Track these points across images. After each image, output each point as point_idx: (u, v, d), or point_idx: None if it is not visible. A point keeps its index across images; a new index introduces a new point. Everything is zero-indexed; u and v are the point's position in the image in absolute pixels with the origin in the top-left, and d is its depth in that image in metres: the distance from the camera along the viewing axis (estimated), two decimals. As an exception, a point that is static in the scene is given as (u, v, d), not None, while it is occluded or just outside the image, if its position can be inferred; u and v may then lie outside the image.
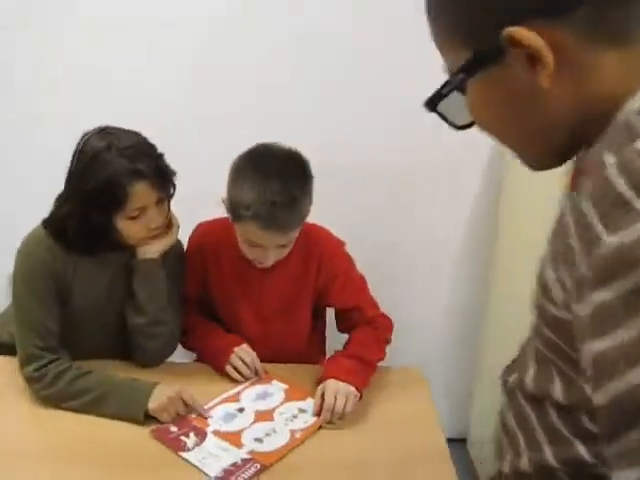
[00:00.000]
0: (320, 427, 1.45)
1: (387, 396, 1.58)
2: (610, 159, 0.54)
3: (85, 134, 1.45)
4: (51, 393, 1.46)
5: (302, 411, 1.50)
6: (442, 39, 0.66)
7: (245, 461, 1.32)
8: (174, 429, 1.40)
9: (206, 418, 1.45)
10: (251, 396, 1.54)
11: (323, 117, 2.00)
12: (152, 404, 1.42)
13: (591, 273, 0.52)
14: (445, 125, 0.72)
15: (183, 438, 1.38)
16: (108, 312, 1.58)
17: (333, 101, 2.00)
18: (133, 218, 1.44)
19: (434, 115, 0.69)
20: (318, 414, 1.46)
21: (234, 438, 1.39)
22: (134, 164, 1.39)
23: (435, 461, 1.37)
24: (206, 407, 1.48)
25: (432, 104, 0.67)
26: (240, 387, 1.56)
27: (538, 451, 0.69)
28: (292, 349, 1.70)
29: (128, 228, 1.46)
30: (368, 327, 1.66)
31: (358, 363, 1.56)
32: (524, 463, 0.71)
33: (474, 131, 0.71)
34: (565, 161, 0.68)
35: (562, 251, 0.58)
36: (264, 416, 1.47)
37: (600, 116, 0.59)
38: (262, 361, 1.62)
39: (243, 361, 1.58)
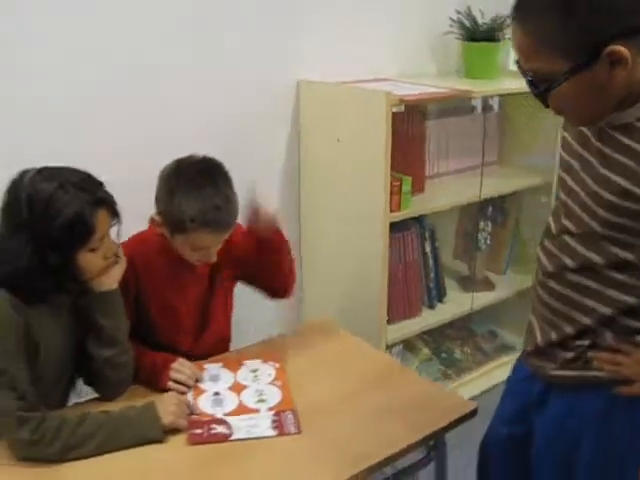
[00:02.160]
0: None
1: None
2: None
3: (18, 180, 1.45)
4: (57, 449, 1.46)
5: (255, 371, 1.80)
6: (537, 51, 1.15)
7: (279, 413, 1.62)
8: (199, 430, 1.57)
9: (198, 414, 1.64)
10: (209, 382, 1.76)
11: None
12: (166, 419, 1.55)
13: None
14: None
15: (216, 430, 1.57)
16: (67, 359, 1.60)
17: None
18: (94, 250, 1.51)
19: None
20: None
21: (245, 409, 1.64)
22: (94, 195, 1.48)
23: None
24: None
25: (543, 98, 1.22)
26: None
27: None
28: (227, 334, 1.92)
29: (89, 261, 1.52)
30: None
31: None
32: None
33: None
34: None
35: None
36: (237, 388, 1.73)
37: (636, 93, 1.18)
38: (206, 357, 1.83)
39: (183, 374, 1.72)
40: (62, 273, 1.49)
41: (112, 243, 1.58)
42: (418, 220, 2.64)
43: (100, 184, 1.53)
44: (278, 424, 1.59)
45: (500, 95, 2.86)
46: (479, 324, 3.20)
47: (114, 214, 1.54)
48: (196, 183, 1.66)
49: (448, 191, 2.74)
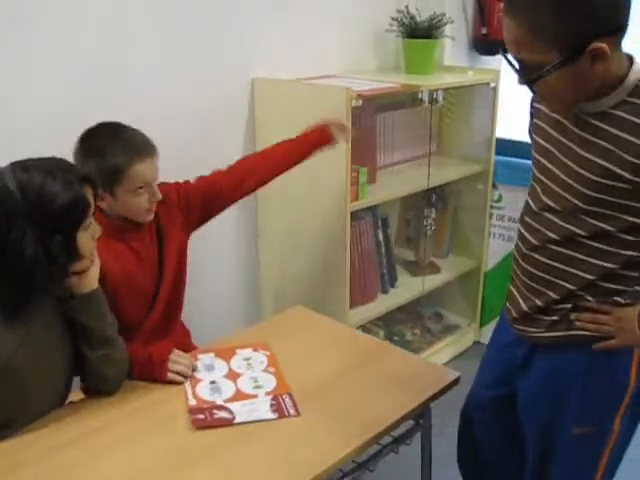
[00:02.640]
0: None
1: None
2: None
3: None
4: None
5: (247, 360, 1.87)
6: (529, 42, 1.26)
7: (277, 397, 1.70)
8: (201, 417, 1.63)
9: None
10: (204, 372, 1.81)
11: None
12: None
13: None
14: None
15: (219, 415, 1.63)
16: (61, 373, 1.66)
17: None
18: (87, 228, 1.55)
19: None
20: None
21: (243, 395, 1.71)
22: (78, 174, 1.53)
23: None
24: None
25: (530, 84, 1.36)
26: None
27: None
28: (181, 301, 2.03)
29: (85, 242, 1.55)
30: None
31: None
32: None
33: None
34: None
35: None
36: (232, 376, 1.79)
37: (608, 85, 1.33)
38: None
39: (181, 364, 1.78)
40: (63, 258, 1.50)
41: (96, 225, 1.60)
42: (371, 209, 2.76)
43: (72, 165, 1.59)
44: (277, 407, 1.67)
45: (445, 89, 3.01)
46: (425, 307, 3.36)
47: (95, 190, 1.58)
48: (111, 132, 1.80)
49: (397, 181, 2.87)
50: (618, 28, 1.28)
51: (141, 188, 1.81)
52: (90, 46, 2.16)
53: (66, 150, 1.72)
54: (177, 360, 1.79)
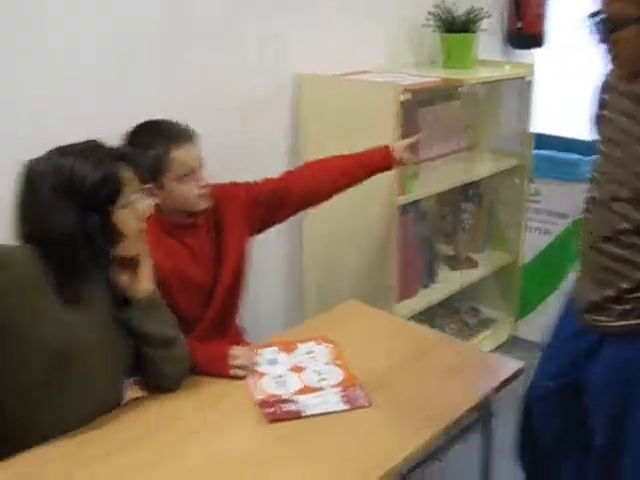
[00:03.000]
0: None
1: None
2: None
3: (32, 165, 1.50)
4: None
5: (310, 353, 1.88)
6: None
7: (346, 389, 1.71)
8: (271, 410, 1.64)
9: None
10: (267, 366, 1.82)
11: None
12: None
13: None
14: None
15: (288, 408, 1.64)
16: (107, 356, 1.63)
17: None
18: (126, 206, 1.54)
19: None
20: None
21: (310, 389, 1.72)
22: (112, 152, 1.55)
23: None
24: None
25: (608, 41, 1.38)
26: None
27: None
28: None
29: (125, 220, 1.54)
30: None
31: None
32: None
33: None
34: None
35: None
36: (296, 370, 1.80)
37: None
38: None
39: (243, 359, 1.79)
40: (102, 237, 1.51)
41: (143, 205, 1.59)
42: (413, 204, 2.76)
43: (104, 145, 1.58)
44: (347, 399, 1.68)
45: (484, 82, 3.01)
46: (462, 301, 3.37)
47: (136, 168, 1.58)
48: (150, 126, 1.85)
49: (436, 175, 2.88)
50: None
51: (186, 175, 1.82)
52: (145, 44, 2.18)
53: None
54: (238, 355, 1.80)
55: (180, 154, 1.81)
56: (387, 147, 2.17)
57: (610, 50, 1.43)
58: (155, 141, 1.79)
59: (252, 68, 2.50)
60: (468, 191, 3.12)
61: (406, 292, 2.80)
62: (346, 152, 2.20)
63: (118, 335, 1.61)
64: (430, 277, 2.97)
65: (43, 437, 1.50)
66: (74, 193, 1.47)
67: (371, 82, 2.50)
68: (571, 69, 3.43)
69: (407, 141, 2.23)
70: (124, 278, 1.61)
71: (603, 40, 1.40)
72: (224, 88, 2.43)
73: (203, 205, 1.88)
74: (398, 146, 2.20)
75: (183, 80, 2.31)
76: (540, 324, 3.40)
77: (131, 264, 1.62)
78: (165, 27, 2.23)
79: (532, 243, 3.31)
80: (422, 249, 2.90)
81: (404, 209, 2.66)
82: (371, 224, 2.55)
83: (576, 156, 3.20)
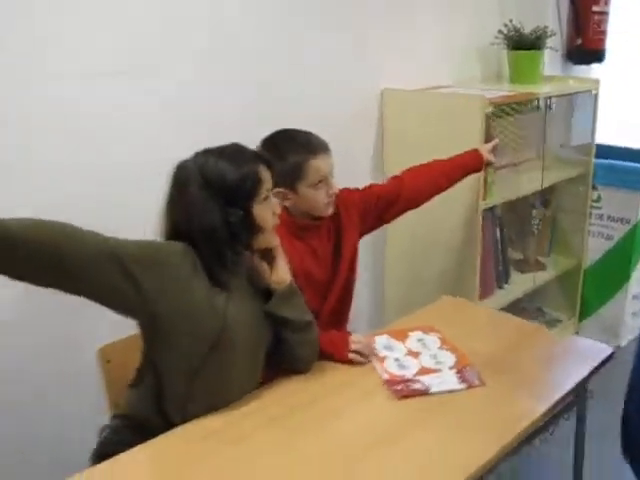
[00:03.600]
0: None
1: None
2: None
3: (184, 164, 1.69)
4: None
5: (421, 340, 2.08)
6: None
7: (461, 370, 1.90)
8: (399, 387, 1.83)
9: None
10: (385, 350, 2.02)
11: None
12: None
13: None
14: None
15: (414, 386, 1.83)
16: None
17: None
18: (264, 200, 1.72)
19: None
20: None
21: (428, 370, 1.91)
22: (250, 153, 1.75)
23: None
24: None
25: None
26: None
27: None
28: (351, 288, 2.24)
29: (262, 213, 1.72)
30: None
31: None
32: None
33: None
34: None
35: None
36: (412, 354, 2.00)
37: None
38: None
39: (361, 344, 1.98)
40: (243, 230, 1.69)
41: (276, 203, 1.79)
42: (491, 209, 2.96)
43: (244, 147, 1.78)
44: (463, 379, 1.87)
45: (556, 96, 3.21)
46: (528, 302, 3.54)
47: (270, 168, 1.76)
48: (288, 135, 2.04)
49: (510, 182, 3.07)
50: None
51: (320, 182, 2.02)
52: (229, 63, 2.40)
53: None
54: (357, 341, 1.99)
55: (317, 163, 2.00)
56: (476, 150, 2.39)
57: None
58: (294, 149, 1.99)
59: (342, 83, 2.72)
60: (537, 198, 3.30)
61: (483, 293, 2.99)
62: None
63: (261, 321, 1.80)
64: (505, 279, 3.15)
65: (195, 414, 1.69)
66: (218, 190, 1.65)
67: (458, 95, 2.71)
68: (632, 82, 3.62)
69: (491, 144, 2.45)
70: (265, 269, 1.81)
71: None
72: (314, 103, 2.64)
73: (330, 211, 2.08)
74: (484, 148, 2.42)
75: (277, 93, 2.52)
76: (602, 326, 3.59)
77: (268, 256, 1.82)
78: (258, 45, 2.45)
79: (595, 247, 3.50)
80: (497, 252, 3.08)
81: (484, 214, 2.85)
82: (455, 227, 2.74)
83: (636, 165, 3.38)
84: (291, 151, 1.98)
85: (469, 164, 2.38)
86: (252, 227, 1.72)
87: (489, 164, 2.45)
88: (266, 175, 1.74)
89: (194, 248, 1.65)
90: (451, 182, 2.37)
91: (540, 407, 1.76)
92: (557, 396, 1.82)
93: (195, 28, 2.25)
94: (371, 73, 2.82)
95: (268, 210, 1.75)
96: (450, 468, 1.55)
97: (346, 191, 2.17)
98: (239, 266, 1.76)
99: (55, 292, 1.50)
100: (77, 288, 1.52)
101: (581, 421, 2.07)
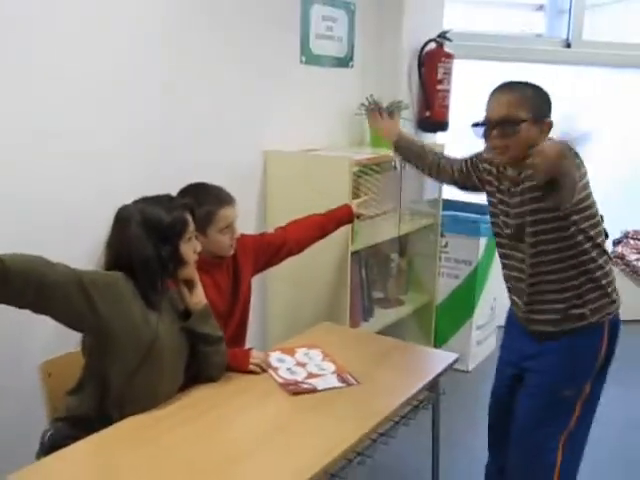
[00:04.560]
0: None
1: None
2: None
3: (124, 208, 2.10)
4: None
5: (306, 354, 2.53)
6: (516, 105, 2.10)
7: (340, 374, 2.37)
8: (292, 387, 2.27)
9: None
10: (278, 362, 2.45)
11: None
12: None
13: None
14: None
15: (304, 386, 2.28)
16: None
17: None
18: (189, 240, 2.16)
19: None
20: None
21: (314, 375, 2.36)
22: (181, 202, 2.20)
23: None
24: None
25: (507, 136, 2.14)
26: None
27: None
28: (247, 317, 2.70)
29: (187, 251, 2.15)
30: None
31: None
32: None
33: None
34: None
35: None
36: (301, 364, 2.44)
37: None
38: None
39: (259, 359, 2.41)
40: (169, 262, 2.10)
41: (197, 243, 2.22)
42: (357, 253, 3.49)
43: (175, 197, 2.25)
44: (342, 380, 2.34)
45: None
46: (390, 334, 4.07)
47: (192, 215, 2.20)
48: (202, 188, 2.49)
49: (372, 230, 3.63)
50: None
51: (226, 228, 2.47)
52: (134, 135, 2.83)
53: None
54: (256, 356, 2.42)
55: (226, 212, 2.46)
56: (348, 205, 2.91)
57: (507, 145, 2.15)
58: (207, 200, 2.42)
59: (227, 146, 3.18)
60: (395, 244, 3.89)
61: (352, 325, 3.49)
62: (309, 210, 2.91)
63: (182, 337, 2.21)
64: (370, 312, 3.69)
65: (134, 411, 2.06)
66: (154, 229, 2.07)
67: (330, 156, 3.26)
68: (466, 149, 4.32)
69: (361, 199, 2.99)
70: (187, 294, 2.23)
71: (504, 135, 2.13)
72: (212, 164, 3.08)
73: (232, 252, 2.53)
74: (354, 203, 2.96)
75: (174, 157, 2.92)
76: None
77: (189, 284, 2.25)
78: (166, 117, 2.89)
79: (444, 285, 4.13)
80: (363, 290, 3.62)
81: (352, 257, 3.38)
82: (329, 267, 3.25)
83: (475, 215, 4.07)
84: (205, 201, 2.41)
85: (341, 217, 2.91)
86: (179, 261, 2.15)
87: (359, 216, 2.99)
88: (190, 220, 2.18)
89: (131, 277, 2.05)
90: (326, 233, 2.89)
91: (397, 401, 2.25)
92: (411, 393, 2.32)
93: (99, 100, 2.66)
94: (255, 138, 3.31)
95: (191, 248, 2.19)
96: (320, 450, 1.92)
97: (244, 237, 2.63)
98: (166, 292, 2.18)
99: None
100: (47, 307, 1.90)
101: (436, 411, 2.60)
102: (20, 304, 1.85)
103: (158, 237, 2.08)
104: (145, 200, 2.14)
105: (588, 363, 2.27)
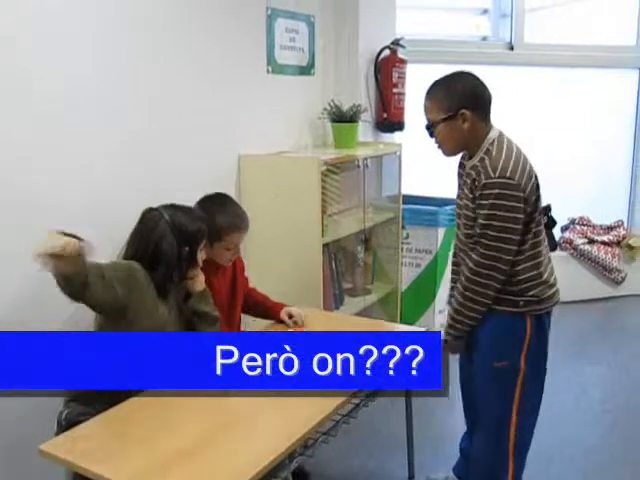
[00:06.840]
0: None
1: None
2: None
3: (152, 213, 2.44)
4: None
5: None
6: (434, 109, 2.43)
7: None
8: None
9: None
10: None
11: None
12: None
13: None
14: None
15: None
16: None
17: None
18: (202, 249, 2.51)
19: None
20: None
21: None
22: (201, 216, 2.55)
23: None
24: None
25: (432, 134, 2.47)
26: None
27: None
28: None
29: (199, 256, 2.49)
30: None
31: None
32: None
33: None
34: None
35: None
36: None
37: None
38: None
39: None
40: (185, 262, 2.43)
41: (204, 253, 2.55)
42: (326, 246, 3.78)
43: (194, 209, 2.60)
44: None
45: (371, 157, 4.12)
46: (360, 322, 4.39)
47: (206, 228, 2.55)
48: (222, 201, 2.78)
49: (339, 225, 3.93)
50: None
51: (233, 247, 2.75)
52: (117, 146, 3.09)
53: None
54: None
55: (236, 237, 2.73)
56: (283, 307, 2.98)
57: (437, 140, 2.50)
58: (227, 219, 2.70)
59: (205, 150, 3.45)
60: (360, 237, 4.20)
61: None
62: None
63: (182, 318, 2.52)
64: (340, 301, 3.99)
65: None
66: (180, 233, 2.40)
67: (299, 158, 3.55)
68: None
69: (292, 309, 2.97)
70: (190, 283, 2.54)
71: (430, 134, 2.48)
72: (191, 169, 3.36)
73: (228, 265, 2.83)
74: (285, 310, 2.96)
75: (165, 162, 3.20)
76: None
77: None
78: (153, 126, 3.15)
79: (407, 274, 4.45)
80: (334, 280, 3.91)
81: (323, 249, 3.67)
82: (303, 259, 3.53)
83: (432, 207, 4.41)
84: (224, 219, 2.69)
85: (272, 312, 2.99)
86: (192, 263, 2.47)
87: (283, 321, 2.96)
88: (205, 232, 2.52)
89: (148, 268, 2.35)
90: (257, 314, 3.07)
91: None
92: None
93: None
94: (230, 143, 3.58)
95: (202, 255, 2.53)
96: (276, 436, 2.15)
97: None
98: (175, 286, 2.48)
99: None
100: (96, 300, 2.18)
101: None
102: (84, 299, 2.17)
103: (182, 239, 2.41)
104: (173, 207, 2.46)
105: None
